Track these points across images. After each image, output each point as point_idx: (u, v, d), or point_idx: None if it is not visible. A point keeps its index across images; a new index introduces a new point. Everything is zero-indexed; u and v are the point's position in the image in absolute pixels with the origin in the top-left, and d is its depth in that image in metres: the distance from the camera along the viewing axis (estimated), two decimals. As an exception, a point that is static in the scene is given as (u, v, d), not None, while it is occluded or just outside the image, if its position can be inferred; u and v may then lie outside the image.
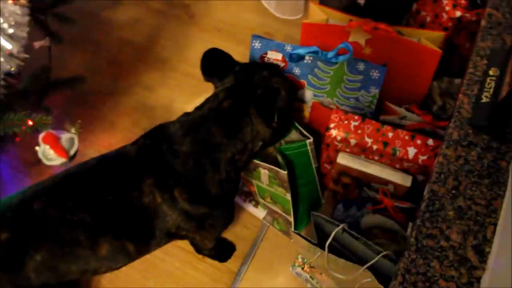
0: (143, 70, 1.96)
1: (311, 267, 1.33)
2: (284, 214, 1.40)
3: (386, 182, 1.22)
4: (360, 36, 1.31)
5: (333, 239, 1.08)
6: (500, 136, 0.85)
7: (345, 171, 1.27)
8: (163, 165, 1.08)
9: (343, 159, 1.25)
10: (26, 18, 1.07)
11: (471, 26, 1.35)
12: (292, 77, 1.31)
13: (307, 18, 1.43)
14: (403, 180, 1.20)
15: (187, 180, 1.08)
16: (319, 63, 1.27)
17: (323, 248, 1.08)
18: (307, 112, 1.38)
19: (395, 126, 1.21)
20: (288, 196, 1.29)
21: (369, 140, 1.21)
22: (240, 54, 1.28)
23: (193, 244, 1.39)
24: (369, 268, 1.00)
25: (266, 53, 1.32)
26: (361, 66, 1.24)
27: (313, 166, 1.34)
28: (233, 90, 1.16)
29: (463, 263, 0.73)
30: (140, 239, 1.09)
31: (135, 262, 1.16)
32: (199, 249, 1.40)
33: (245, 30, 2.00)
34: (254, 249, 1.45)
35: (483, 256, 0.73)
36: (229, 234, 1.48)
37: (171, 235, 1.14)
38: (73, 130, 1.21)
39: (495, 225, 0.75)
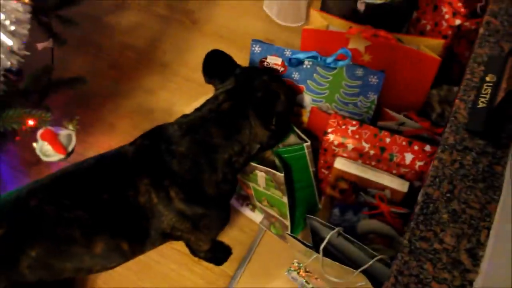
0: (144, 73, 1.98)
1: (306, 271, 1.33)
2: (280, 218, 1.40)
3: (383, 188, 1.22)
4: (359, 43, 1.32)
5: (329, 243, 1.08)
6: (496, 141, 0.85)
7: (342, 176, 1.27)
8: (160, 165, 1.09)
9: (340, 164, 1.26)
10: (28, 15, 1.08)
11: (470, 35, 1.36)
12: (291, 82, 1.32)
13: (308, 25, 1.44)
14: (400, 185, 1.20)
15: (184, 180, 1.09)
16: (318, 68, 1.28)
17: (318, 251, 1.08)
18: (305, 117, 1.38)
19: (393, 132, 1.21)
20: (285, 199, 1.29)
21: (366, 145, 1.21)
22: (242, 60, 1.29)
23: (188, 246, 1.39)
24: (363, 272, 1.00)
25: (265, 58, 1.33)
26: (359, 72, 1.25)
27: (311, 170, 1.34)
28: (233, 92, 1.17)
29: (456, 266, 0.73)
30: (135, 238, 1.09)
31: (130, 263, 1.16)
32: (194, 252, 1.39)
33: (247, 37, 2.00)
34: (251, 253, 1.45)
35: (476, 260, 0.73)
36: (225, 238, 1.48)
37: (166, 236, 1.14)
38: (70, 127, 1.21)
39: (489, 229, 0.76)
